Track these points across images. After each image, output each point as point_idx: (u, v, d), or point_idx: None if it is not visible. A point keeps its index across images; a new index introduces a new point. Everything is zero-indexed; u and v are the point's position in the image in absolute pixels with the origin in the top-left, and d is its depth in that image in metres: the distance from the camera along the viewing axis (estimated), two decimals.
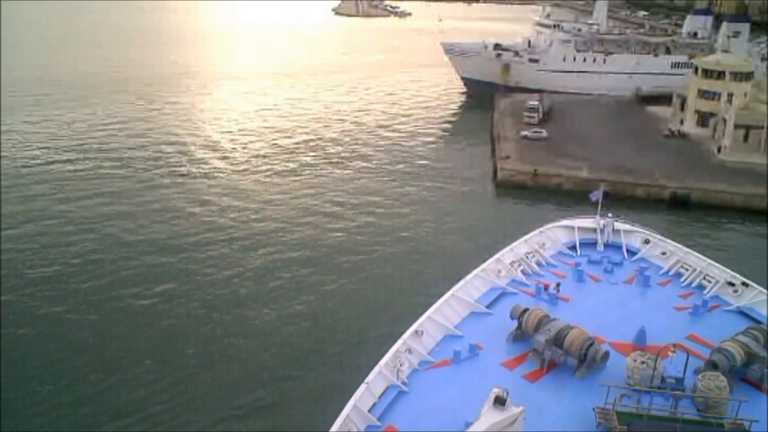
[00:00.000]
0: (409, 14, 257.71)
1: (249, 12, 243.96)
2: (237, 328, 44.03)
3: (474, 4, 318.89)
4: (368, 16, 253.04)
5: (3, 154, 78.11)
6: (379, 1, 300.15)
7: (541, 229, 34.42)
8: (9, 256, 53.15)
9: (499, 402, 18.43)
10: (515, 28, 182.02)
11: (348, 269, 53.13)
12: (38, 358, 39.54)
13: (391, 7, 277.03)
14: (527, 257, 31.81)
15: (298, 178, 74.17)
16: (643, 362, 22.29)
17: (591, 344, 23.12)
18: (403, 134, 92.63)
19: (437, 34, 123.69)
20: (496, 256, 31.18)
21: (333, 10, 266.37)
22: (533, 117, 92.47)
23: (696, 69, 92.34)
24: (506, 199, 71.05)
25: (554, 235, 34.49)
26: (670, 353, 21.92)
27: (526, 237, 33.45)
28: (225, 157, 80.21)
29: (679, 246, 33.24)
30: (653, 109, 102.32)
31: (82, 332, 42.81)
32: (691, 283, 30.68)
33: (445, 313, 26.83)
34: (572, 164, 74.77)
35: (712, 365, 22.24)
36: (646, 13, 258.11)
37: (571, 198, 63.62)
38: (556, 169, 73.51)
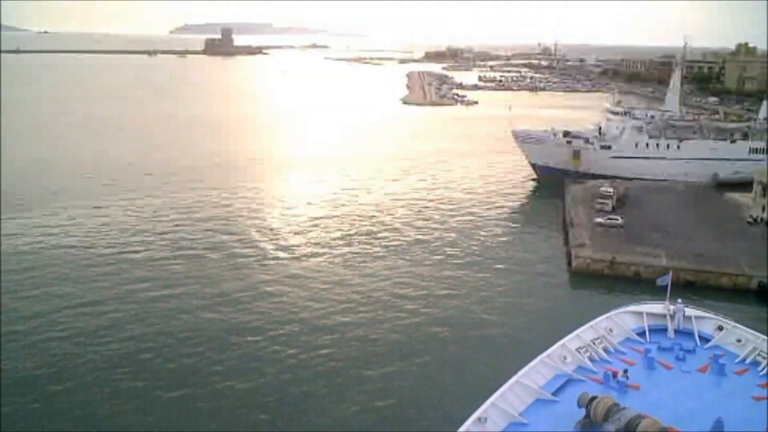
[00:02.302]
0: (476, 102, 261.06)
1: (319, 108, 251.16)
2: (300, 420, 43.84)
3: (540, 93, 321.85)
4: (436, 104, 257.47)
5: (62, 240, 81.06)
6: (447, 90, 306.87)
7: (607, 314, 33.42)
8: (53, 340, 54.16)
9: None
10: (580, 115, 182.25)
11: (416, 356, 52.84)
12: None
13: (458, 96, 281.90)
14: (594, 343, 30.85)
15: (364, 264, 74.44)
16: None
17: None
18: (473, 221, 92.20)
19: (504, 122, 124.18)
20: (561, 342, 30.37)
21: (401, 99, 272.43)
22: (607, 204, 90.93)
23: None
24: (582, 287, 69.44)
25: (621, 320, 33.45)
26: None
27: (592, 322, 32.50)
28: (288, 244, 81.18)
29: (756, 333, 31.69)
30: (732, 195, 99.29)
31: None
32: None
33: (508, 399, 26.03)
34: (650, 252, 72.78)
35: None
36: (716, 98, 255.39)
37: (651, 287, 61.41)
38: (633, 257, 71.61)
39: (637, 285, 65.69)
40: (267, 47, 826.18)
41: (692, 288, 64.03)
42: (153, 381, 48.24)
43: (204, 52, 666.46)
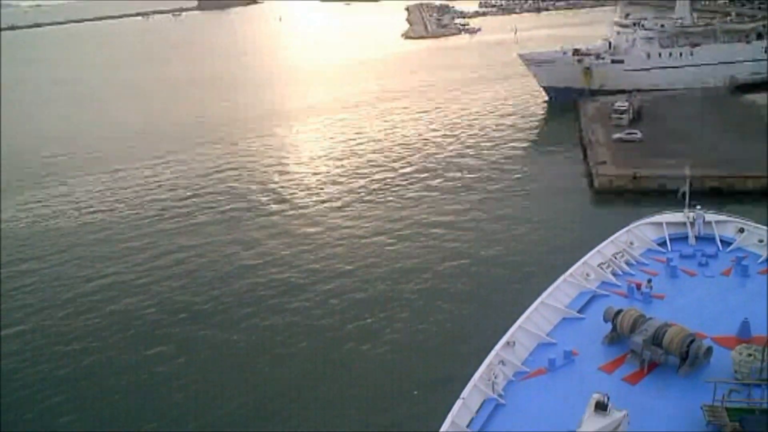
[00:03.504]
0: (479, 29, 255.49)
1: (320, 52, 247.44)
2: (334, 353, 45.30)
3: (543, 13, 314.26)
4: (438, 36, 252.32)
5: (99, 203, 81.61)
6: (448, 20, 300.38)
7: (627, 228, 33.37)
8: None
9: (601, 407, 18.08)
10: (587, 32, 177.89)
11: (446, 285, 53.83)
12: None
13: (461, 25, 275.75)
14: (616, 257, 30.90)
15: (386, 200, 75.07)
16: (749, 355, 21.28)
17: (692, 341, 22.22)
18: (491, 151, 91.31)
19: (511, 46, 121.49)
20: (583, 259, 30.51)
21: (402, 35, 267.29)
22: (623, 118, 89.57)
23: None
24: (607, 205, 68.76)
25: (641, 232, 33.39)
26: None
27: (613, 237, 32.51)
28: (309, 189, 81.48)
29: None
30: (752, 97, 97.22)
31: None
32: None
33: (535, 321, 26.39)
34: (673, 163, 71.33)
35: None
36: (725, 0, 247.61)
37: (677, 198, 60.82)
38: (656, 169, 70.50)
39: (663, 197, 64.58)
40: None
41: (719, 194, 63.34)
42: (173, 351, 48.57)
43: (198, 7, 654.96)
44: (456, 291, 52.88)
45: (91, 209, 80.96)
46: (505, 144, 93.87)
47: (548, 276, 47.34)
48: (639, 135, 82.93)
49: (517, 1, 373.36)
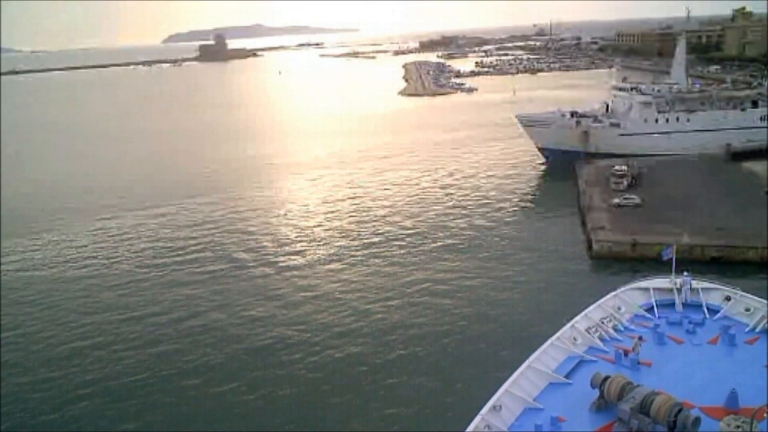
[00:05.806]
0: (475, 89, 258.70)
1: (319, 107, 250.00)
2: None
3: (539, 74, 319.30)
4: (435, 94, 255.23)
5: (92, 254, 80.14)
6: (445, 79, 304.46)
7: (614, 292, 33.30)
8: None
9: None
10: (584, 94, 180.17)
11: (436, 355, 52.17)
12: None
13: (457, 83, 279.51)
14: (603, 322, 30.81)
15: (384, 261, 73.44)
16: (737, 426, 21.16)
17: (680, 410, 21.84)
18: (487, 212, 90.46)
19: (507, 106, 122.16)
20: (570, 323, 30.36)
21: (400, 92, 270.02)
22: (621, 183, 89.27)
23: None
24: (605, 273, 67.46)
25: (629, 297, 33.36)
26: (766, 415, 20.78)
27: (600, 302, 32.43)
28: (311, 250, 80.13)
29: (763, 300, 31.31)
30: (748, 165, 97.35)
31: None
32: None
33: (522, 385, 26.07)
34: (672, 230, 70.69)
35: None
36: (717, 67, 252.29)
37: (677, 266, 59.85)
38: (655, 237, 69.62)
39: (661, 264, 63.82)
40: (260, 49, 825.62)
41: (718, 264, 62.71)
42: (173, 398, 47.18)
43: (198, 58, 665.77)
44: (447, 353, 51.92)
45: (77, 260, 79.59)
46: (501, 205, 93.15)
47: (541, 341, 46.58)
48: (637, 200, 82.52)
49: (512, 63, 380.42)
